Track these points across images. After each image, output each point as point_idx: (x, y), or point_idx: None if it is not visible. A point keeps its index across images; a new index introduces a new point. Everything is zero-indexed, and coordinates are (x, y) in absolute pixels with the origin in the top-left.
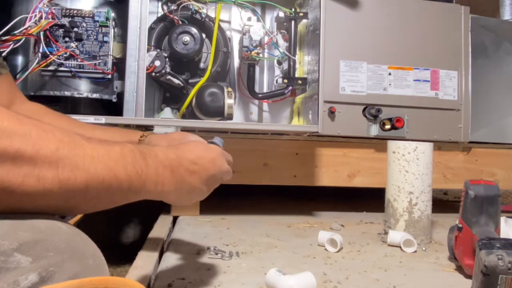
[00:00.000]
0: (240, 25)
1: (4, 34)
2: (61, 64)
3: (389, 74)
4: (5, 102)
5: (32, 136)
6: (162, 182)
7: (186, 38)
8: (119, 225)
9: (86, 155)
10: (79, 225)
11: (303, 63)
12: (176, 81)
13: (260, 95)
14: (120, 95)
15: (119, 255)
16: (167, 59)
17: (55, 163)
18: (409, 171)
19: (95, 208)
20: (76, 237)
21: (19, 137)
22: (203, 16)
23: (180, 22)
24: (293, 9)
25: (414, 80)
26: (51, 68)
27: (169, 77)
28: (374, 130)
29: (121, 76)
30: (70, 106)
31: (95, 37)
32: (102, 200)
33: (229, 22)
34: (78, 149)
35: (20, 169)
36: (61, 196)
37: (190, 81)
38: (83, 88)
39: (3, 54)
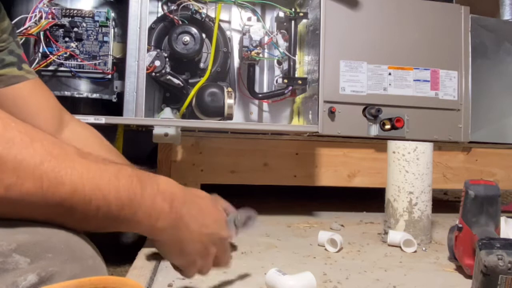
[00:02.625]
0: (240, 25)
1: None
2: (61, 64)
3: (389, 74)
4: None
5: (15, 144)
6: (156, 215)
7: (186, 38)
8: None
9: (75, 171)
10: None
11: (303, 63)
12: (176, 81)
13: (260, 95)
14: (120, 95)
15: (119, 255)
16: (167, 59)
17: (39, 177)
18: (409, 171)
19: (87, 229)
20: (75, 238)
21: (2, 144)
22: (203, 16)
23: (180, 22)
24: (293, 9)
25: (414, 80)
26: (51, 68)
27: (169, 77)
28: (374, 130)
29: (121, 76)
30: (70, 106)
31: (95, 37)
32: (91, 222)
33: (229, 22)
34: (66, 164)
35: (3, 178)
36: (47, 211)
37: (190, 81)
38: (83, 88)
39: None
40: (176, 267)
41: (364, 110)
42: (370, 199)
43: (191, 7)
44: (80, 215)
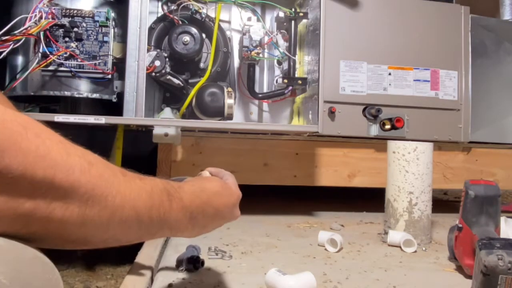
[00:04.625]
0: (240, 25)
1: (4, 34)
2: (61, 64)
3: (389, 74)
4: None
5: (75, 172)
6: (177, 227)
7: (186, 38)
8: None
9: (119, 193)
10: None
11: (303, 63)
12: (176, 81)
13: (260, 95)
14: (120, 95)
15: (119, 255)
16: (167, 59)
17: (86, 200)
18: (409, 171)
19: (105, 244)
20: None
21: (63, 171)
22: (203, 16)
23: (180, 22)
24: (293, 9)
25: (414, 80)
26: (51, 68)
27: (169, 77)
28: (374, 130)
29: (121, 76)
30: (70, 106)
31: (95, 37)
32: (117, 236)
33: (229, 22)
34: (113, 188)
35: (53, 200)
36: (78, 230)
37: (190, 81)
38: (83, 88)
39: (3, 54)
40: None
41: (364, 110)
42: (370, 199)
43: (191, 7)
44: (112, 232)
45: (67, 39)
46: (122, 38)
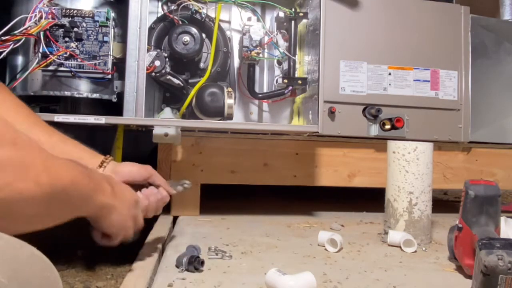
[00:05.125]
0: (240, 25)
1: (4, 34)
2: (61, 64)
3: (389, 74)
4: None
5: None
6: (103, 191)
7: (186, 38)
8: None
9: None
10: (81, 226)
11: (303, 63)
12: (176, 81)
13: (260, 95)
14: (120, 95)
15: (119, 255)
16: (167, 59)
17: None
18: (409, 171)
19: (51, 221)
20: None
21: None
22: (203, 16)
23: (180, 22)
24: (293, 9)
25: (414, 80)
26: (51, 68)
27: (169, 77)
28: (374, 130)
29: (121, 76)
30: (70, 106)
31: (95, 37)
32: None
33: (229, 22)
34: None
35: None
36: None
37: (190, 81)
38: (83, 88)
39: (3, 54)
40: (103, 237)
41: (364, 110)
42: (370, 199)
43: (191, 7)
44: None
45: (67, 39)
46: (122, 38)
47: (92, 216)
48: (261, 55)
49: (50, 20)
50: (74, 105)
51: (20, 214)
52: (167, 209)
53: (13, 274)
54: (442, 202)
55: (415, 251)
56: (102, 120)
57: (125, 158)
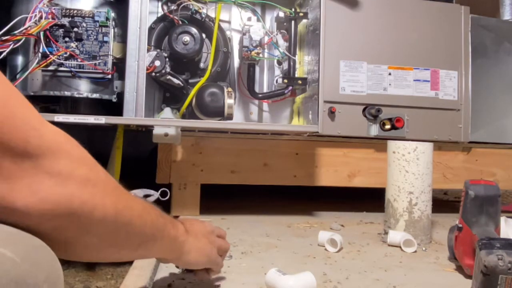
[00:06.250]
0: (240, 25)
1: (4, 34)
2: (61, 64)
3: (389, 74)
4: None
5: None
6: (175, 227)
7: (186, 38)
8: None
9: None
10: None
11: (303, 63)
12: (176, 81)
13: (260, 95)
14: (120, 95)
15: None
16: (167, 59)
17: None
18: (409, 171)
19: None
20: (23, 266)
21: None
22: (203, 16)
23: (180, 22)
24: (293, 9)
25: (414, 80)
26: (51, 68)
27: (169, 77)
28: (374, 130)
29: (121, 76)
30: (70, 106)
31: (95, 37)
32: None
33: (229, 22)
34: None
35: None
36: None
37: (190, 81)
38: (83, 88)
39: (3, 54)
40: (200, 274)
41: (364, 110)
42: (370, 199)
43: (191, 7)
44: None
45: (67, 39)
46: (122, 38)
47: (174, 257)
48: (261, 55)
49: (50, 20)
50: (74, 105)
51: (92, 232)
52: (167, 209)
53: (26, 256)
54: (442, 202)
55: (415, 251)
56: (102, 120)
57: (125, 158)
